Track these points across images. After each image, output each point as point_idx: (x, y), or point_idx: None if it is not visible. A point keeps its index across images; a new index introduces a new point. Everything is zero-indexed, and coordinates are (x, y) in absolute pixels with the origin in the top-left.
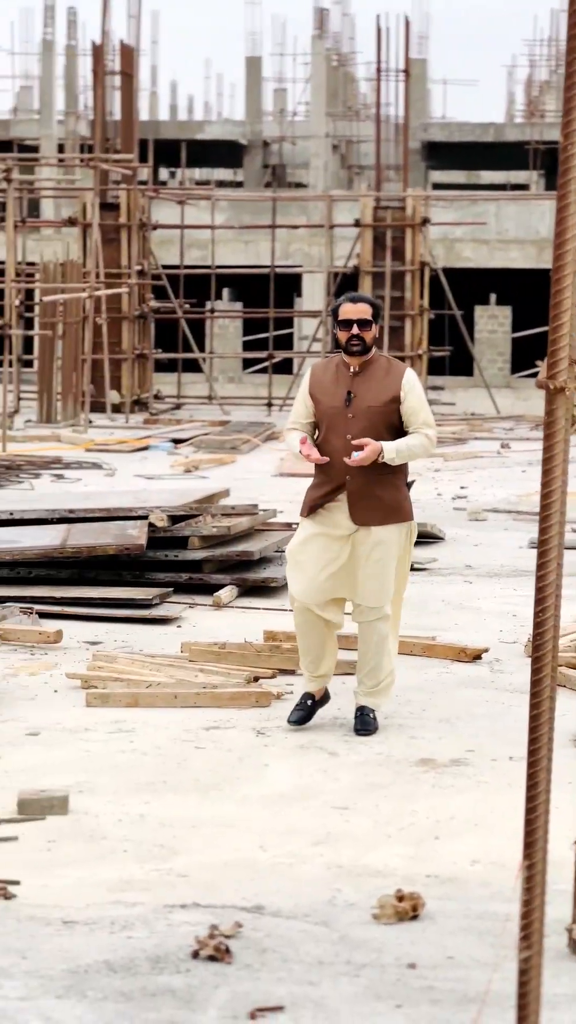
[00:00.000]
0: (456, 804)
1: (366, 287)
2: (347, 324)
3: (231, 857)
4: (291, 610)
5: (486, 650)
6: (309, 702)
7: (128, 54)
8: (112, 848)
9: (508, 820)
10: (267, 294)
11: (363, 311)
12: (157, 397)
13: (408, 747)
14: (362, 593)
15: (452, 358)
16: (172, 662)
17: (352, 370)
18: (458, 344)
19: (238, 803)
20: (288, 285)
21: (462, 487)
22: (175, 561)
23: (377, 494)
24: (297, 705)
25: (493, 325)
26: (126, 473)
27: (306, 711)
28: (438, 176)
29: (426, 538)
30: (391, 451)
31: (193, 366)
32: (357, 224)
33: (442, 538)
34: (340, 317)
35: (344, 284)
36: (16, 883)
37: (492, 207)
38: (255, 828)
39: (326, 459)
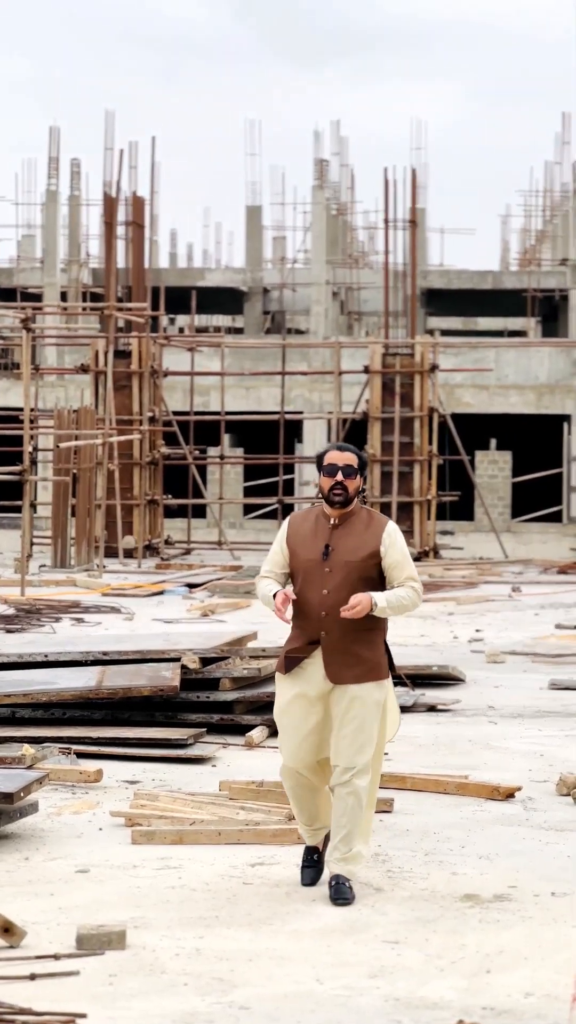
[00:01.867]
0: (504, 939)
1: (375, 433)
2: (332, 470)
3: (290, 990)
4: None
5: (519, 788)
6: (315, 856)
7: (139, 205)
8: (172, 981)
9: (556, 953)
10: (267, 440)
11: (349, 459)
12: (168, 543)
13: (451, 883)
14: (338, 753)
15: (453, 503)
16: (213, 800)
17: (332, 522)
18: (461, 489)
19: (290, 937)
20: (289, 431)
21: (477, 630)
22: (207, 702)
23: (354, 651)
24: (304, 864)
25: (493, 470)
26: (144, 617)
27: (315, 867)
28: (436, 322)
29: (448, 680)
30: (382, 601)
31: (198, 511)
32: (366, 371)
33: (463, 680)
34: (325, 462)
35: (352, 430)
36: (83, 1016)
37: (492, 353)
38: (310, 961)
39: (288, 620)
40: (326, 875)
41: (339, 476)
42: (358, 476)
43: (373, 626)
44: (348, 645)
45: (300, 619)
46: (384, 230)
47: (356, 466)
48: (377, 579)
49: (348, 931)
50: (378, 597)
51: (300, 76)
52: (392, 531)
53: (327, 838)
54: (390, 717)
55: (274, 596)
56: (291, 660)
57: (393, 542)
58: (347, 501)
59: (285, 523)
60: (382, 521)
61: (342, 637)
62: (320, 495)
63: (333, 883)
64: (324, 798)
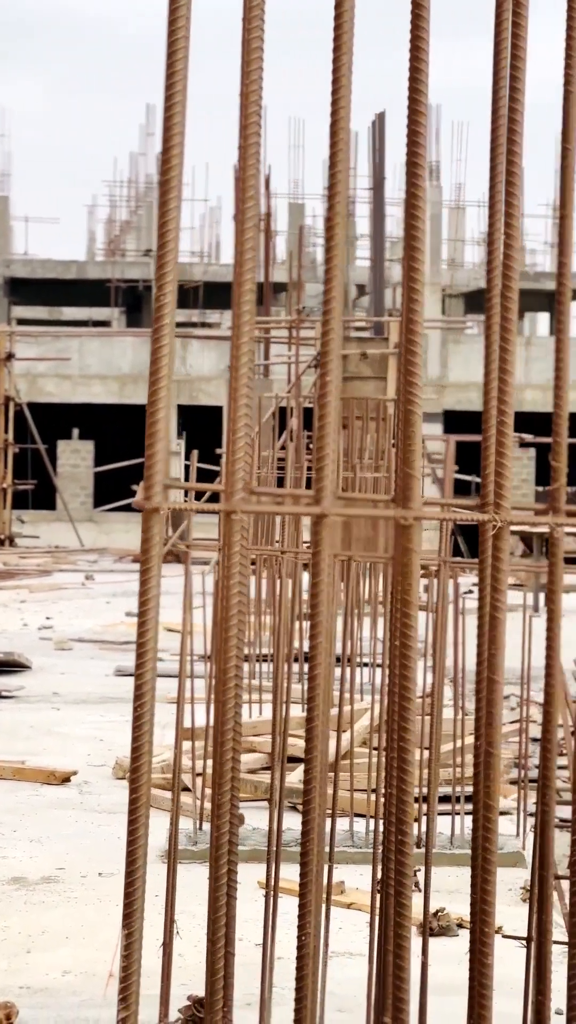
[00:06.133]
0: (48, 919)
1: None
2: None
3: None
4: None
5: (75, 773)
6: None
7: None
8: None
9: (98, 932)
10: None
11: None
12: None
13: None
14: None
15: (35, 492)
16: None
17: None
18: (41, 478)
19: None
20: None
21: (48, 618)
22: None
23: None
24: None
25: (76, 459)
26: None
27: None
28: (21, 311)
29: (13, 666)
30: None
31: None
32: None
33: (29, 667)
34: None
35: None
36: None
37: (75, 343)
38: None
39: None
40: None
41: None
42: None
43: None
44: None
45: None
46: None
47: None
48: None
49: None
50: None
51: None
52: None
53: None
54: None
55: None
56: None
57: None
58: None
59: None
60: None
61: None
62: None
63: None
64: None
